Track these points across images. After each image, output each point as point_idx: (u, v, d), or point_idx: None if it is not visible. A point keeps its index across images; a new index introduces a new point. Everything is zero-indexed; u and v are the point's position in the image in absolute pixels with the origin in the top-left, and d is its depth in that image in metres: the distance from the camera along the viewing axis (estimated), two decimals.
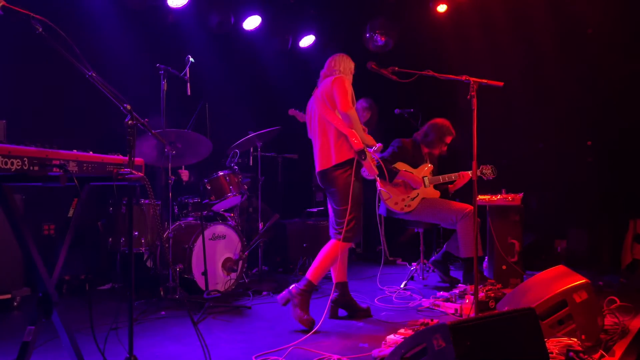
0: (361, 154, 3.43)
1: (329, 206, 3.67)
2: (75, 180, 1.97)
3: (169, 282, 4.05)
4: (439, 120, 4.76)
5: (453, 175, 4.67)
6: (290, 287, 3.47)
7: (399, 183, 4.63)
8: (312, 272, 3.46)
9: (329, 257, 3.50)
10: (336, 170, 3.49)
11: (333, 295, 3.60)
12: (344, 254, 3.59)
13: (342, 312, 3.67)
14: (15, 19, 1.98)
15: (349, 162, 3.48)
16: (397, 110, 5.89)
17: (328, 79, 3.61)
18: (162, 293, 4.03)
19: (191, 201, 4.62)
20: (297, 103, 4.29)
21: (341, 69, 3.67)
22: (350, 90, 3.54)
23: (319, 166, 3.62)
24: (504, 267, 4.44)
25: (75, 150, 2.07)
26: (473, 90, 3.07)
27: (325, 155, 3.56)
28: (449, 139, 4.74)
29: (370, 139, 3.57)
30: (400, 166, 4.64)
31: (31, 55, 4.57)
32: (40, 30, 2.03)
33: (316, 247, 4.90)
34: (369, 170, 3.47)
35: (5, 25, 4.27)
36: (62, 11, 4.62)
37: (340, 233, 3.48)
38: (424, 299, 4.01)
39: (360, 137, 3.47)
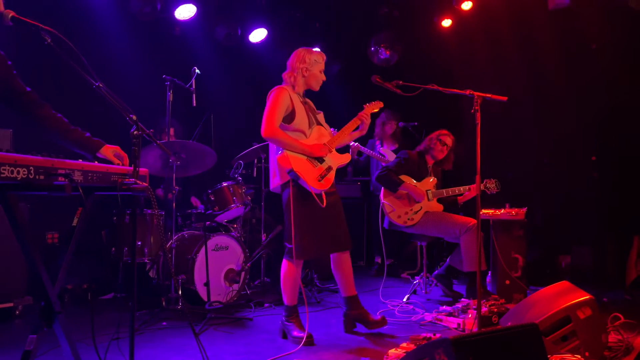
0: (290, 173, 3.24)
1: None
2: (80, 190, 1.97)
3: (171, 292, 4.04)
4: (434, 132, 4.81)
5: (457, 189, 4.66)
6: (280, 321, 3.47)
7: (403, 196, 4.63)
8: (284, 297, 3.45)
9: (285, 278, 3.40)
10: (282, 190, 3.38)
11: (344, 309, 3.56)
12: (343, 269, 3.48)
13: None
14: (25, 29, 2.01)
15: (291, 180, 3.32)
16: (401, 124, 5.92)
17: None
18: (164, 303, 4.02)
19: (195, 212, 4.63)
20: None
21: (294, 67, 3.42)
22: (284, 104, 3.29)
23: (271, 185, 3.51)
24: (507, 281, 4.41)
25: (80, 160, 2.08)
26: (477, 104, 3.09)
27: (272, 173, 3.46)
28: (444, 137, 4.70)
29: (318, 149, 3.36)
30: (404, 179, 4.64)
31: (38, 66, 4.62)
32: (49, 41, 2.06)
33: (318, 259, 4.91)
34: (308, 186, 3.25)
35: (14, 36, 4.34)
36: (70, 22, 4.68)
37: (288, 252, 3.35)
38: (426, 313, 3.98)
39: (302, 150, 3.30)
